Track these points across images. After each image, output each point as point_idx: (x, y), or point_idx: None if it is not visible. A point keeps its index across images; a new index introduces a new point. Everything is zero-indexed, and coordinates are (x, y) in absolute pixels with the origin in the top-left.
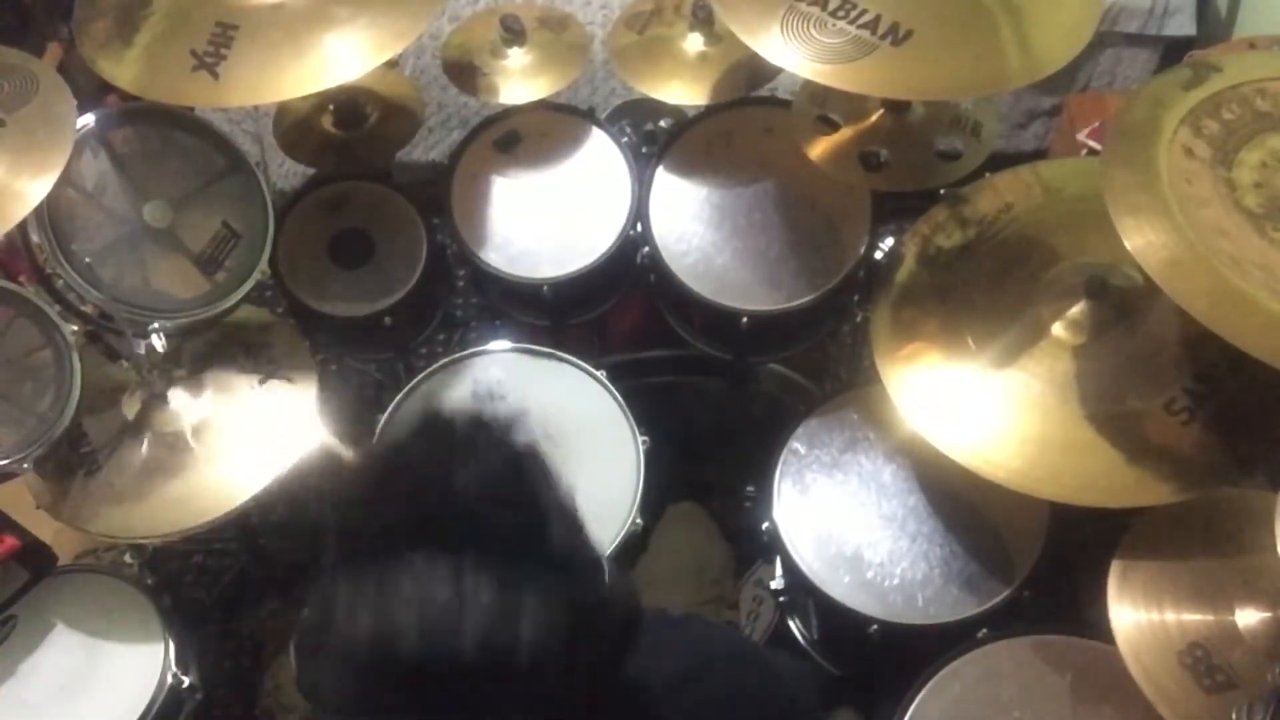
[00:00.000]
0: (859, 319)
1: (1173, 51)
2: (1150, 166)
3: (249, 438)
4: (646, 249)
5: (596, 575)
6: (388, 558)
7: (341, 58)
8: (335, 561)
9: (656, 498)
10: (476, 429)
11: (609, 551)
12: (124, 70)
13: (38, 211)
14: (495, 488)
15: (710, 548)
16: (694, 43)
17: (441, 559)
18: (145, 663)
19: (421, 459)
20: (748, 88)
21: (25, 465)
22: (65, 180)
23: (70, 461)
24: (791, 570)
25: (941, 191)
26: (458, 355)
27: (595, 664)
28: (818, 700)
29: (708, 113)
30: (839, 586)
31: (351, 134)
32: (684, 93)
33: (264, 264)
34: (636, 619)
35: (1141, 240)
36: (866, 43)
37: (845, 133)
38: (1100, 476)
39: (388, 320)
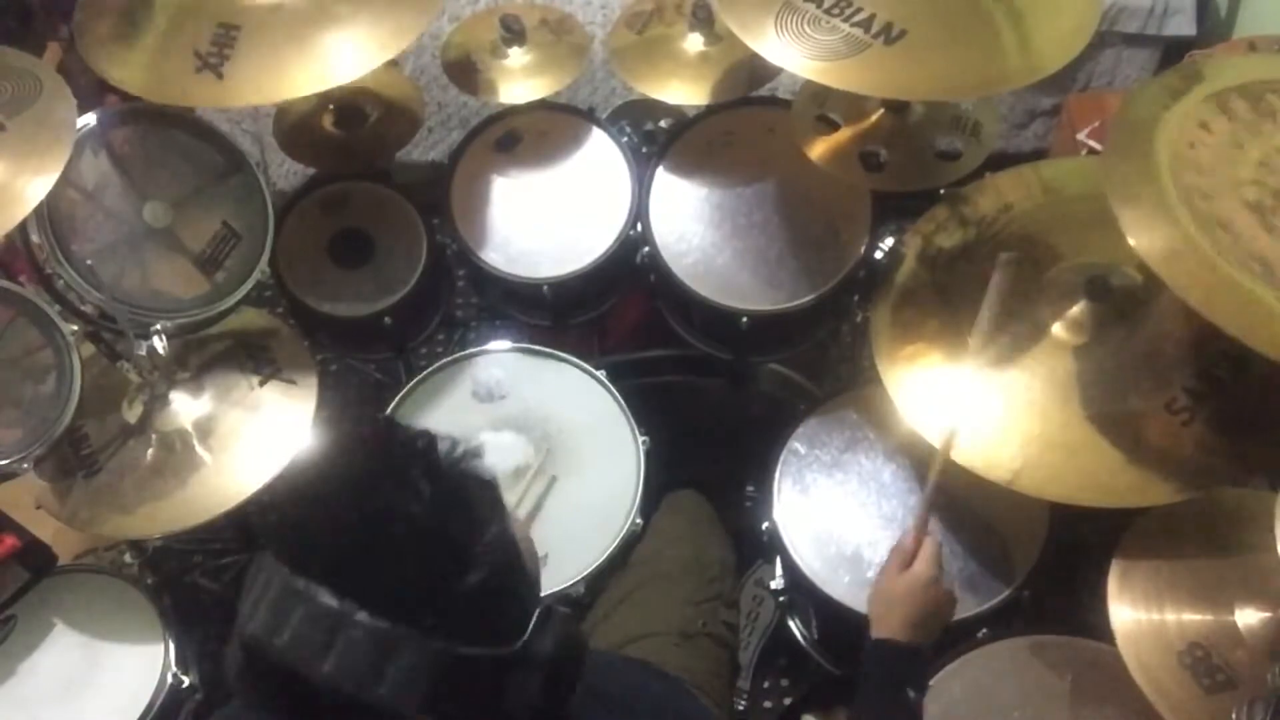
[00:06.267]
0: (859, 319)
1: (1173, 51)
2: (1151, 159)
3: (249, 438)
4: (646, 249)
5: (513, 629)
6: (294, 569)
7: (345, 57)
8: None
9: (656, 496)
10: (425, 455)
11: (610, 551)
12: (129, 73)
13: (38, 211)
14: (430, 518)
15: (712, 540)
16: (694, 43)
17: (332, 593)
18: (145, 663)
19: (358, 476)
20: (748, 88)
21: (25, 465)
22: (65, 180)
23: (70, 462)
24: (791, 570)
25: (941, 191)
26: (458, 355)
27: (504, 712)
28: None
29: (708, 113)
30: (839, 586)
31: (351, 134)
32: (684, 93)
33: (264, 264)
34: (569, 674)
35: (1142, 233)
36: (859, 41)
37: (845, 133)
38: (1100, 476)
39: (388, 320)
